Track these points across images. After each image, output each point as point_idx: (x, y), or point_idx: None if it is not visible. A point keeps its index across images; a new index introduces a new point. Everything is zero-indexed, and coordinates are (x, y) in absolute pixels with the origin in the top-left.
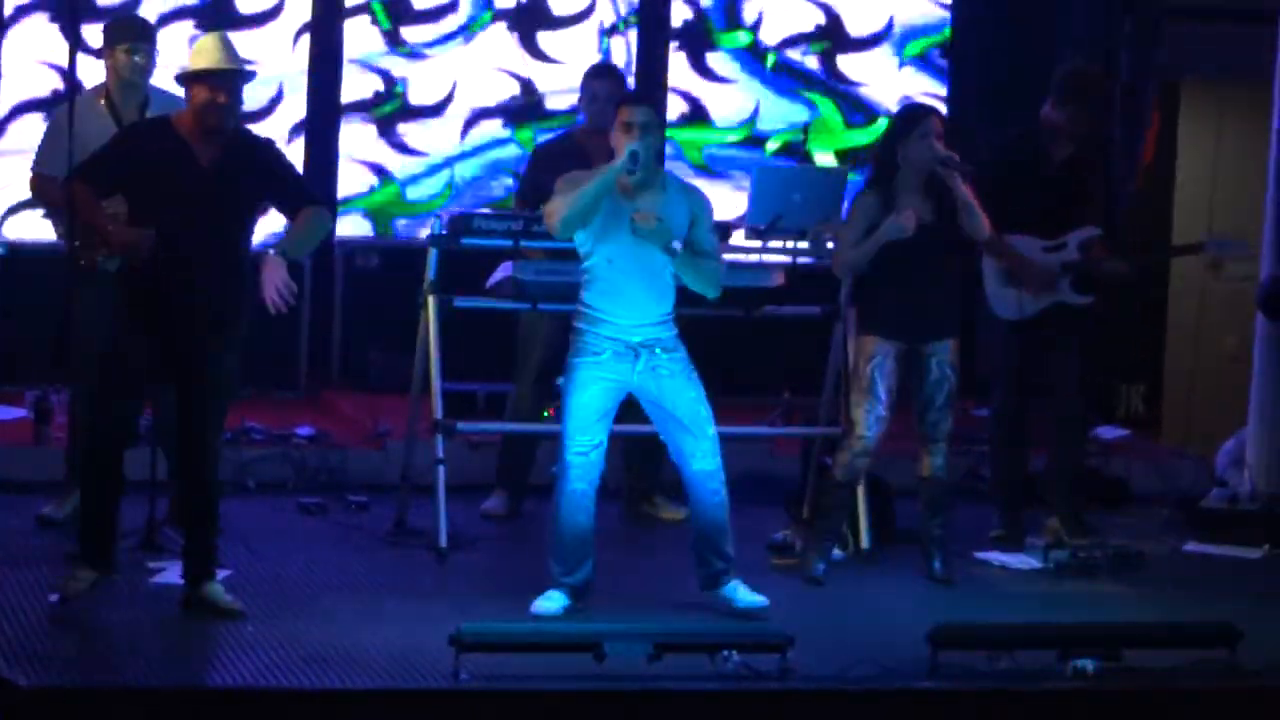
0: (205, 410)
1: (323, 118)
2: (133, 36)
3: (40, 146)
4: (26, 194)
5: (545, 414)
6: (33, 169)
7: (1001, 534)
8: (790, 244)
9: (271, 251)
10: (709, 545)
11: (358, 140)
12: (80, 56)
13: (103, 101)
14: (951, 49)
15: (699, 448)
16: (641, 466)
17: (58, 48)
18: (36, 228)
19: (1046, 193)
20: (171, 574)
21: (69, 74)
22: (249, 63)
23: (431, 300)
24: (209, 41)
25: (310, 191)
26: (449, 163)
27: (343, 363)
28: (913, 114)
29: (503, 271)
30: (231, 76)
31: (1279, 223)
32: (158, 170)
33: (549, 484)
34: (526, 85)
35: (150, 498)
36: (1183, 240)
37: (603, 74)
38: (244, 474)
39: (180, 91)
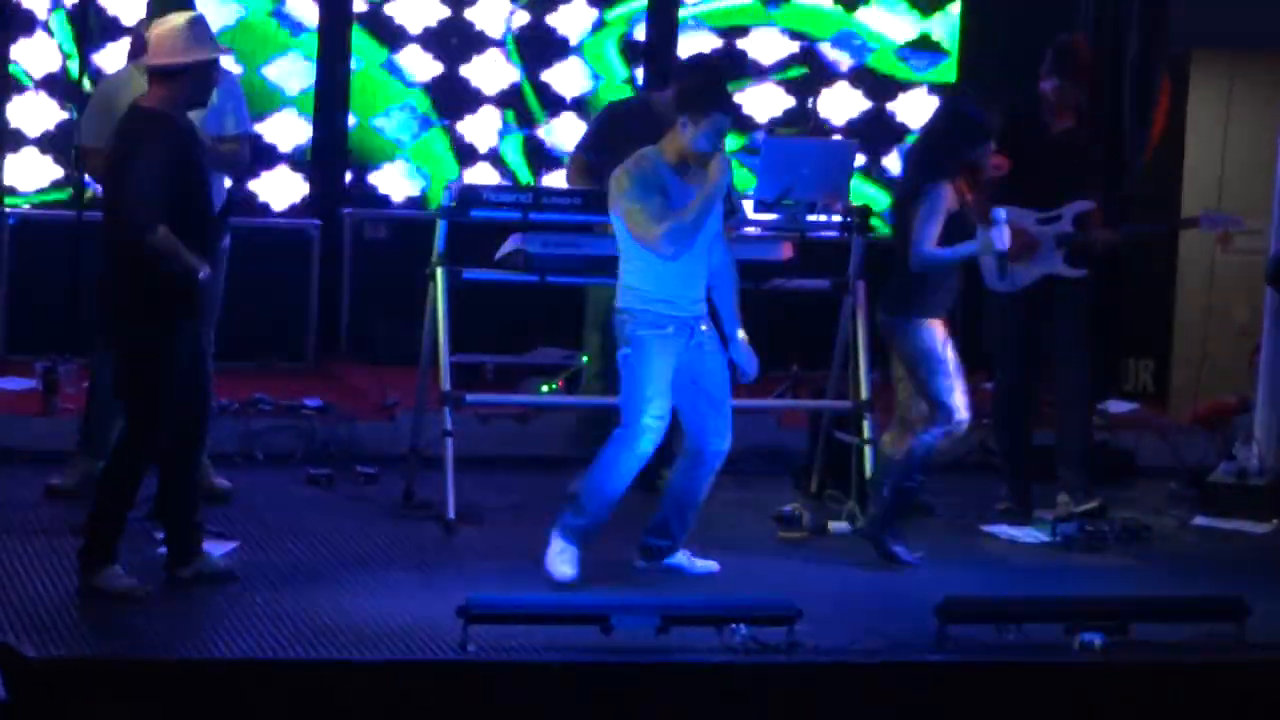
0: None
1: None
2: (177, 6)
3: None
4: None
5: (554, 386)
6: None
7: (1008, 506)
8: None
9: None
10: (681, 518)
11: None
12: None
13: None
14: (963, 26)
15: (721, 426)
16: None
17: None
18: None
19: (1042, 164)
20: None
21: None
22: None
23: (440, 272)
24: (187, 30)
25: None
26: None
27: (351, 334)
28: (982, 122)
29: (512, 243)
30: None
31: None
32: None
33: (548, 457)
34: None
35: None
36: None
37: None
38: (252, 445)
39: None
